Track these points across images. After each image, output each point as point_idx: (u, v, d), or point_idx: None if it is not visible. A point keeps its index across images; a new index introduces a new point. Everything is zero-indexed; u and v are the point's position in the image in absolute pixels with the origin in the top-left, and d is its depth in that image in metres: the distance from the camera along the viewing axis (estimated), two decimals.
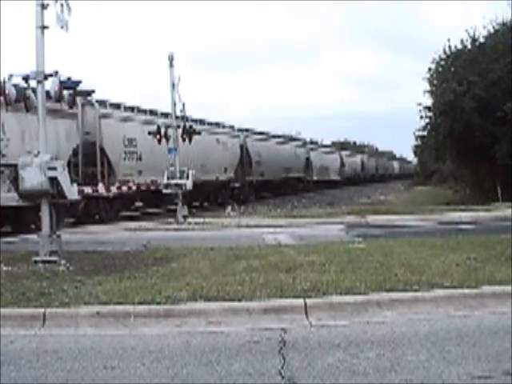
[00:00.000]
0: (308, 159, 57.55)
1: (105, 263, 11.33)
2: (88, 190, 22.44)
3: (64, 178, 11.78)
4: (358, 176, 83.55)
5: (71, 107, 13.31)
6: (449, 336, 6.45)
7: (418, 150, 58.42)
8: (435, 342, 6.25)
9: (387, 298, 7.76)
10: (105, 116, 24.81)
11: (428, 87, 36.64)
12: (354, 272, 9.22)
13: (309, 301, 7.62)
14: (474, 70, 32.76)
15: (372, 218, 20.19)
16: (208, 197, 34.62)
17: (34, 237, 14.15)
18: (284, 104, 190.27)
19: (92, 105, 24.23)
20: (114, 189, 24.36)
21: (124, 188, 25.10)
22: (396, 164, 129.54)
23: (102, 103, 25.02)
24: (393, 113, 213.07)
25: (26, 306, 7.87)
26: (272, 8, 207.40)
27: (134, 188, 25.85)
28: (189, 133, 24.14)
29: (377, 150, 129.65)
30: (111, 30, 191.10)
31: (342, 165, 72.83)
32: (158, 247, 13.16)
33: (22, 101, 12.49)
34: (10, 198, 17.39)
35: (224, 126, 39.18)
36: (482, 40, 35.05)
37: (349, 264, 10.01)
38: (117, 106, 26.37)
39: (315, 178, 58.95)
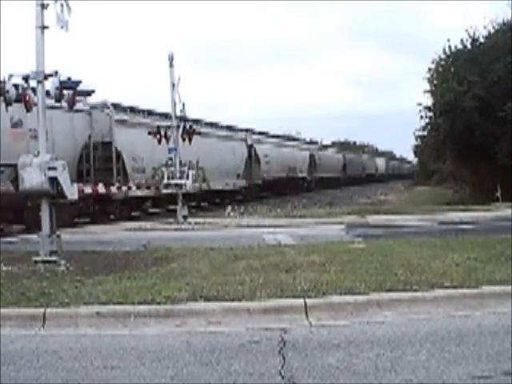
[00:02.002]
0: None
1: (105, 263, 11.33)
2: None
3: (64, 178, 11.77)
4: (302, 180, 54.27)
5: (71, 107, 13.28)
6: (449, 336, 6.45)
7: (417, 150, 58.52)
8: (435, 342, 6.24)
9: (387, 298, 7.76)
10: None
11: (428, 87, 36.70)
12: (353, 272, 9.22)
13: (309, 301, 7.62)
14: (474, 69, 32.76)
15: (372, 218, 20.19)
16: None
17: (33, 237, 14.15)
18: (284, 104, 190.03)
19: None
20: None
21: None
22: (382, 162, 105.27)
23: None
24: (393, 113, 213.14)
25: (26, 306, 7.87)
26: (272, 8, 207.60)
27: None
28: (189, 133, 24.12)
29: (377, 149, 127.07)
30: (111, 30, 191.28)
31: (256, 161, 41.81)
32: (157, 247, 13.16)
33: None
34: None
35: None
36: (482, 40, 35.06)
37: (349, 264, 10.01)
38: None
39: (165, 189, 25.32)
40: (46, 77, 11.91)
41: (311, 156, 57.70)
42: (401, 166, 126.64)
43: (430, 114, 36.80)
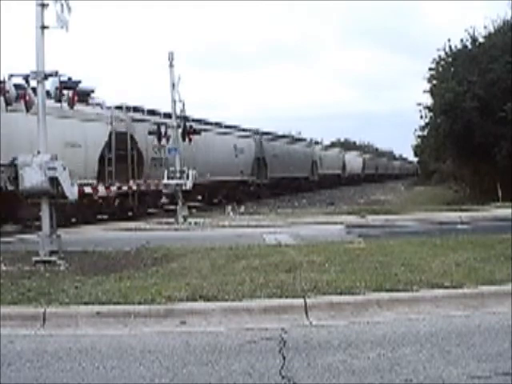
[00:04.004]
0: None
1: (105, 263, 11.33)
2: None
3: (64, 177, 11.77)
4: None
5: (71, 107, 13.29)
6: (449, 336, 6.45)
7: (418, 150, 58.53)
8: (435, 342, 6.25)
9: (387, 298, 7.77)
10: None
11: (428, 87, 36.69)
12: (354, 272, 9.23)
13: (309, 300, 7.63)
14: (474, 69, 32.73)
15: (372, 218, 20.17)
16: None
17: (33, 237, 14.15)
18: (284, 104, 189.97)
19: None
20: None
21: None
22: (355, 158, 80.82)
23: None
24: (393, 112, 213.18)
25: (26, 305, 7.87)
26: (272, 8, 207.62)
27: None
28: (189, 132, 24.12)
29: (377, 149, 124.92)
30: (111, 30, 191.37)
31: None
32: (157, 247, 13.15)
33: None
34: None
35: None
36: (481, 40, 35.04)
37: (349, 264, 10.02)
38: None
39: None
40: (46, 77, 11.93)
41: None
42: (390, 165, 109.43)
43: (430, 113, 36.79)
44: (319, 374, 5.42)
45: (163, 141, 23.86)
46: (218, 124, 37.23)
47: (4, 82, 12.17)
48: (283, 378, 5.35)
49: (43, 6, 11.77)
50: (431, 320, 7.19)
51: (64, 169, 11.84)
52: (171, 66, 22.73)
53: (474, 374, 5.25)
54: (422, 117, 37.24)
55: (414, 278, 8.52)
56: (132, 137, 24.74)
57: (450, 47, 35.48)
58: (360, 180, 78.07)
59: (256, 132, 43.71)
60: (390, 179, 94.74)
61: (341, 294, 7.92)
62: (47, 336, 7.08)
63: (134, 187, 24.43)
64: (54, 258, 11.42)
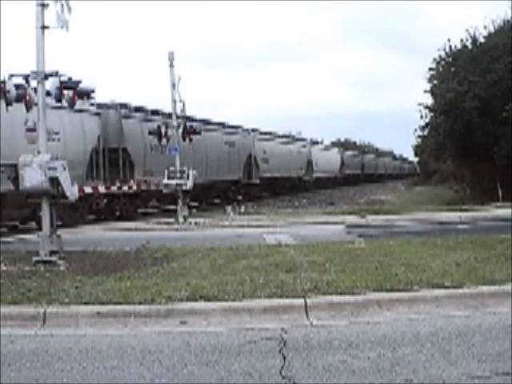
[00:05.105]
0: None
1: (105, 263, 11.33)
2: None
3: (64, 177, 11.77)
4: None
5: (72, 107, 13.28)
6: (449, 336, 6.45)
7: (418, 150, 58.55)
8: (435, 341, 6.25)
9: (387, 298, 7.77)
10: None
11: (428, 87, 36.69)
12: (354, 272, 9.23)
13: (309, 300, 7.63)
14: (475, 69, 32.73)
15: (372, 218, 20.17)
16: None
17: (33, 237, 14.15)
18: (284, 104, 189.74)
19: None
20: None
21: None
22: (328, 155, 62.80)
23: None
24: (393, 112, 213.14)
25: (26, 305, 7.87)
26: (272, 8, 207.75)
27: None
28: (189, 132, 24.12)
29: (377, 149, 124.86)
30: (111, 30, 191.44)
31: None
32: (158, 247, 13.15)
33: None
34: None
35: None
36: (482, 40, 35.05)
37: (349, 264, 10.02)
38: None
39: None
40: (46, 77, 11.92)
41: None
42: (383, 165, 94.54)
43: (431, 113, 36.79)
44: (319, 374, 5.42)
45: (163, 140, 23.86)
46: None
47: (4, 82, 12.15)
48: (283, 378, 5.35)
49: (43, 5, 11.77)
50: (431, 320, 7.19)
51: (64, 169, 11.84)
52: (171, 65, 22.73)
53: (474, 374, 5.25)
54: (422, 117, 37.32)
55: (414, 278, 8.52)
56: None
57: (450, 47, 35.51)
58: (337, 183, 62.65)
59: (108, 106, 24.50)
60: (384, 180, 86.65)
61: (341, 294, 7.92)
62: (47, 336, 7.08)
63: None
64: (54, 258, 11.41)
